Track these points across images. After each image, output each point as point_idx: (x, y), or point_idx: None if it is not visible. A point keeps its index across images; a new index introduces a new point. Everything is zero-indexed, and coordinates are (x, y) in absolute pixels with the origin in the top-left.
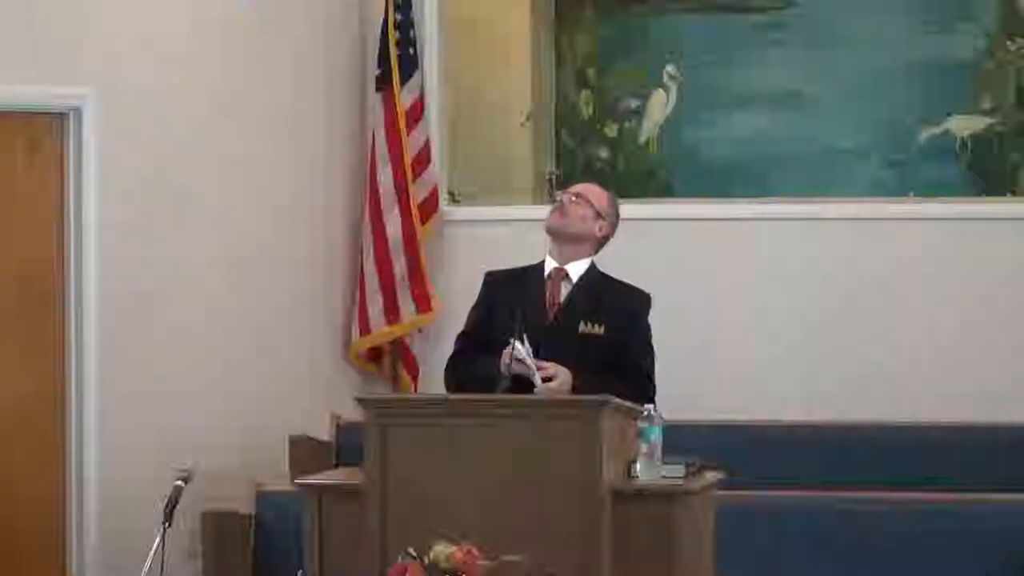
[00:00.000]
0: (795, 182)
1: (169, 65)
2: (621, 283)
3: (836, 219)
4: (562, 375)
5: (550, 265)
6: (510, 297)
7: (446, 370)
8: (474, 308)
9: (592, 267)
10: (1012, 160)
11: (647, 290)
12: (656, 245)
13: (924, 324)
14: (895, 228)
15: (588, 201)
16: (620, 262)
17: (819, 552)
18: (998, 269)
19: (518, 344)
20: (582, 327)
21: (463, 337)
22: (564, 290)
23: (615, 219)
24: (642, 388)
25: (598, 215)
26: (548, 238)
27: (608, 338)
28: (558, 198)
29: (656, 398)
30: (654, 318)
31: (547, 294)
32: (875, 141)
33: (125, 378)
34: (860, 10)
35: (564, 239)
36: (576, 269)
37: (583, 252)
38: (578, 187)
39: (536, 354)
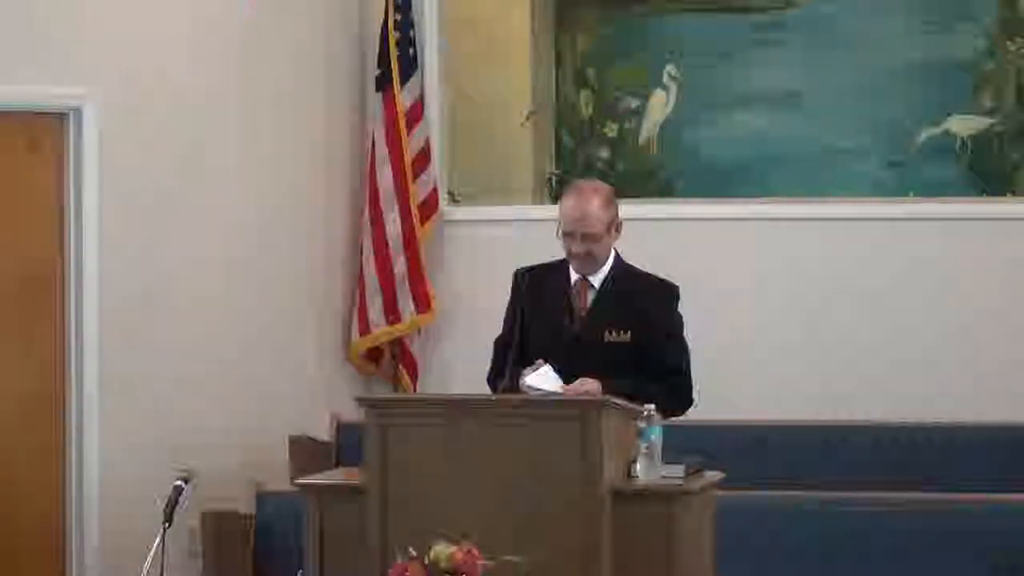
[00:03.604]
0: (795, 182)
1: (169, 65)
2: (646, 277)
3: (836, 219)
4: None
5: (574, 275)
6: (538, 302)
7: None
8: (508, 311)
9: (616, 262)
10: (1012, 160)
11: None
12: (656, 245)
13: (924, 324)
14: (895, 228)
15: (599, 233)
16: None
17: (819, 552)
18: (998, 269)
19: (534, 378)
20: (608, 336)
21: (499, 346)
22: (589, 297)
23: (617, 213)
24: (676, 387)
25: (609, 229)
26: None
27: (635, 343)
28: (571, 247)
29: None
30: None
31: (571, 303)
32: (875, 141)
33: (125, 378)
34: (860, 10)
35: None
36: (598, 275)
37: (604, 260)
38: (583, 222)
39: (565, 365)
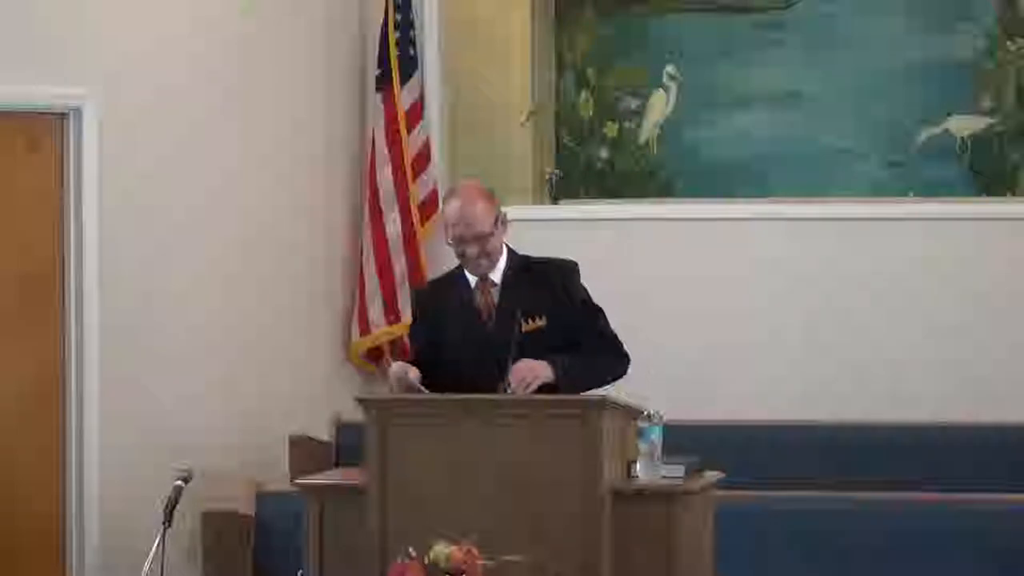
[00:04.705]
0: (795, 182)
1: (169, 65)
2: (543, 261)
3: (836, 219)
4: (539, 372)
5: (472, 278)
6: (444, 314)
7: None
8: (412, 332)
9: (510, 255)
10: (1012, 160)
11: (643, 279)
12: (656, 245)
13: (924, 324)
14: (895, 228)
15: (487, 232)
16: (620, 261)
17: (819, 552)
18: (998, 269)
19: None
20: (525, 326)
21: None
22: (493, 294)
23: (499, 207)
24: (616, 352)
25: (495, 225)
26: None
27: (552, 325)
28: (464, 251)
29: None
30: (652, 316)
31: (478, 304)
32: (875, 141)
33: (125, 378)
34: (860, 10)
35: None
36: (497, 271)
37: (499, 256)
38: (471, 225)
39: (487, 366)
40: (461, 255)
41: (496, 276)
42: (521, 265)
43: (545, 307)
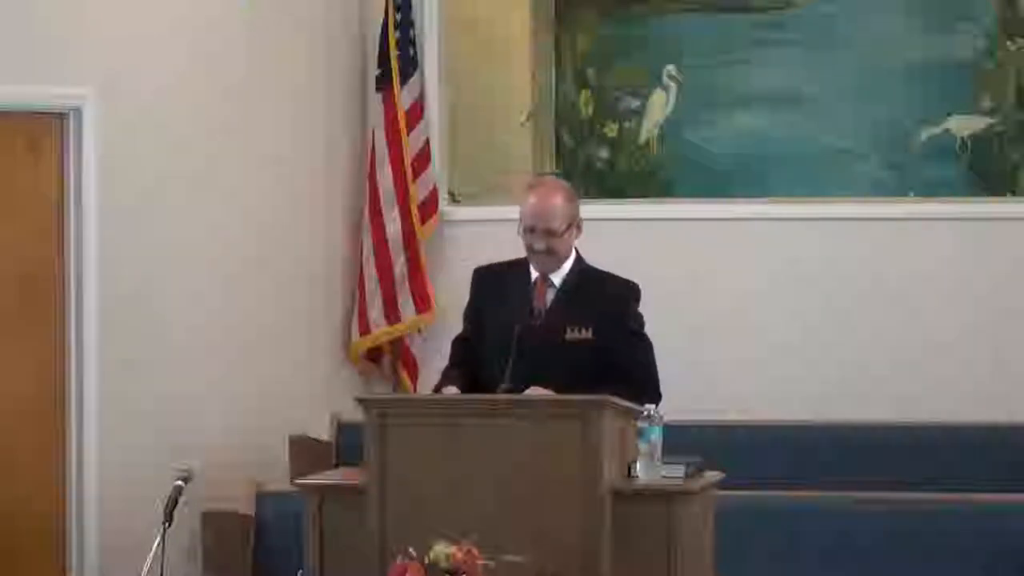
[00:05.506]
0: (795, 182)
1: (169, 65)
2: (607, 277)
3: (836, 219)
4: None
5: (534, 273)
6: (497, 301)
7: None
8: (467, 309)
9: (577, 262)
10: (1012, 160)
11: (638, 282)
12: (656, 245)
13: (924, 324)
14: (895, 228)
15: (560, 229)
16: (620, 261)
17: (819, 552)
18: (998, 269)
19: None
20: (569, 334)
21: (458, 344)
22: (549, 295)
23: (578, 211)
24: (643, 384)
25: (569, 227)
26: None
27: (597, 340)
28: (532, 244)
29: (662, 387)
30: (653, 316)
31: (532, 301)
32: (875, 141)
33: (125, 378)
34: (860, 10)
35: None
36: (559, 273)
37: (565, 258)
38: (545, 218)
39: (523, 365)
40: (529, 247)
41: (557, 279)
42: (585, 274)
43: (592, 321)
